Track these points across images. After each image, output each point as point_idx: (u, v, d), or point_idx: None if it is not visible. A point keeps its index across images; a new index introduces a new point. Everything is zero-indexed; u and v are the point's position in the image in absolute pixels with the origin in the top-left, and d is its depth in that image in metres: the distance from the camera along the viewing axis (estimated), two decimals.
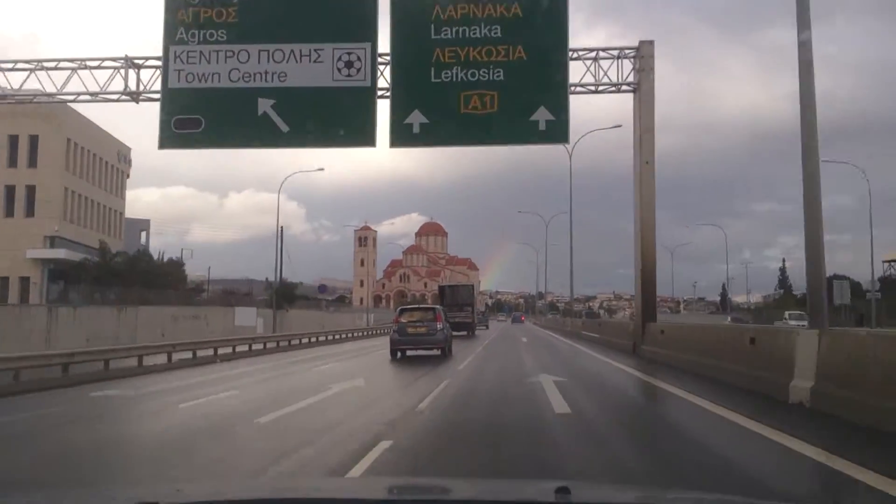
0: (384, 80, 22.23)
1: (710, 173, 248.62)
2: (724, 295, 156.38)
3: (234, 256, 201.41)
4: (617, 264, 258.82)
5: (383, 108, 22.11)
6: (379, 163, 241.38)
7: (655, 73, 22.81)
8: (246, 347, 29.74)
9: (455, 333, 34.05)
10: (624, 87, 23.02)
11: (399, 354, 23.46)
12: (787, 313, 50.43)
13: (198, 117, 22.03)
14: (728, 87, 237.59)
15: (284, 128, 21.96)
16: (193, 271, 76.91)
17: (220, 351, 26.84)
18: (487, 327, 68.93)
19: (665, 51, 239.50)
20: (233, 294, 72.14)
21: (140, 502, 2.21)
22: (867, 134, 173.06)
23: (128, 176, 67.78)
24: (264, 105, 21.95)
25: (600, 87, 22.90)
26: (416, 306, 29.92)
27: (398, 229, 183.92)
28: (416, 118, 21.86)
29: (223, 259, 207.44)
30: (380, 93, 22.20)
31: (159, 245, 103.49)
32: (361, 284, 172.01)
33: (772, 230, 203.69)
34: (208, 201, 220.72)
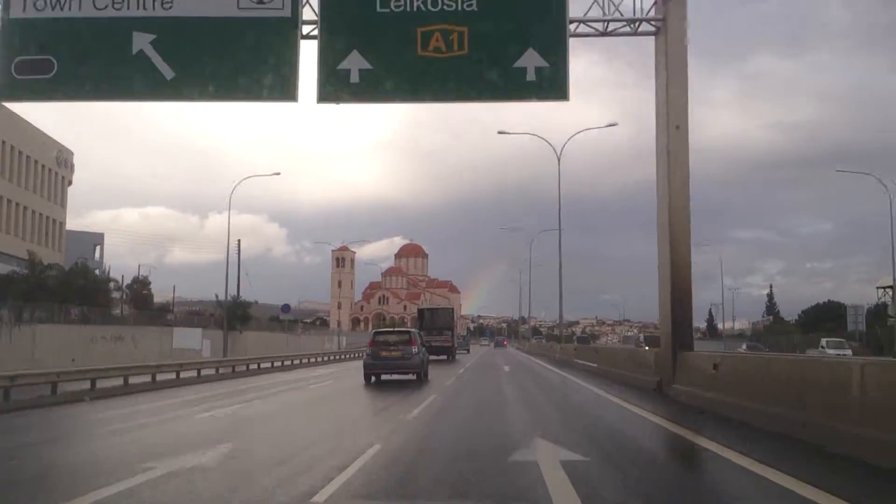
0: (310, 9, 15.75)
1: (694, 199, 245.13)
2: (710, 320, 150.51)
3: (215, 277, 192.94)
4: (599, 290, 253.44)
5: (309, 50, 15.62)
6: (362, 186, 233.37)
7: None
8: (150, 378, 22.86)
9: (434, 358, 33.73)
10: (643, 27, 16.53)
11: (373, 379, 22.40)
12: (824, 340, 43.37)
13: (48, 58, 15.53)
14: (712, 114, 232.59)
15: (168, 73, 15.44)
16: (169, 292, 70.10)
17: (104, 384, 20.04)
18: (468, 351, 65.06)
19: (650, 75, 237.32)
20: (199, 315, 65.37)
21: None
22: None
23: (70, 182, 60.84)
24: (141, 41, 15.42)
25: (610, 26, 16.39)
26: (391, 329, 28.76)
27: (381, 252, 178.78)
28: (355, 62, 15.38)
29: (203, 280, 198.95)
30: (305, 29, 15.73)
31: (134, 265, 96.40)
32: (339, 306, 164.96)
33: (753, 257, 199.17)
34: (189, 222, 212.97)
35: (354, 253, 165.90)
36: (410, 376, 22.78)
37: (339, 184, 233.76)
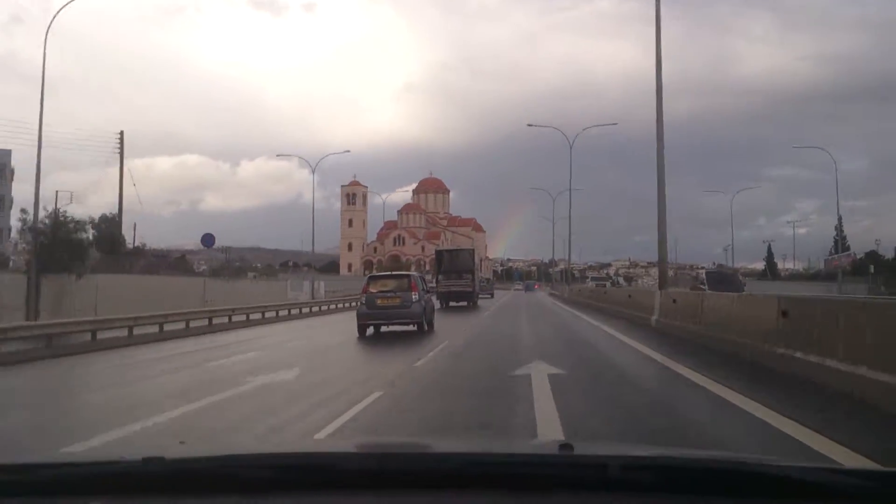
0: None
1: (729, 137, 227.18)
2: (770, 258, 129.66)
3: (244, 224, 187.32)
4: (632, 230, 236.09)
5: None
6: (390, 129, 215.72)
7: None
8: None
9: (454, 304, 37.27)
10: None
11: (371, 330, 19.39)
12: None
13: None
14: (747, 49, 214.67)
15: None
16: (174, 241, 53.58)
17: None
18: (492, 296, 56.76)
19: (685, 10, 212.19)
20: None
21: (146, 457, 1.92)
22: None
23: None
24: None
25: None
26: (388, 273, 24.49)
27: (408, 197, 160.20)
28: None
29: (232, 228, 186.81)
30: None
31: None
32: (350, 248, 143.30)
33: (787, 196, 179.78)
34: (221, 169, 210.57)
35: (367, 188, 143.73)
36: (411, 327, 19.17)
37: (367, 127, 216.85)
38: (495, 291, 66.43)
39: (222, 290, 40.66)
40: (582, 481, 1.84)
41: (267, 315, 30.60)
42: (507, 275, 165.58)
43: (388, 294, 19.31)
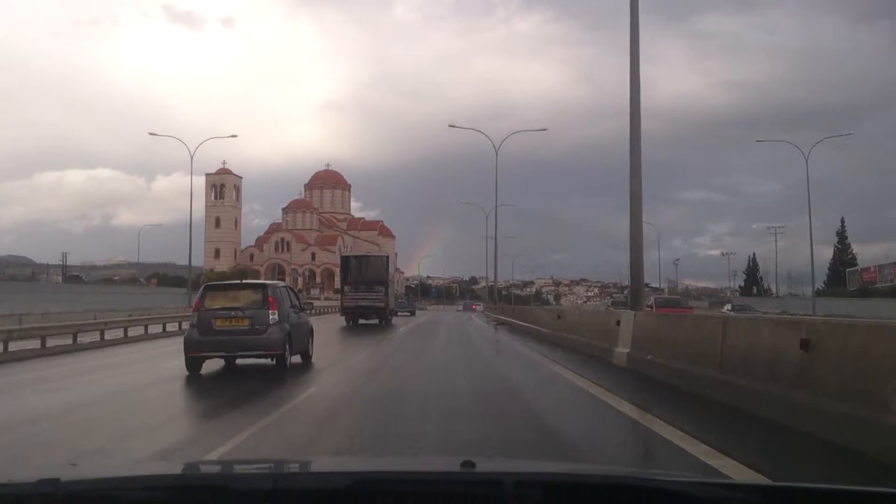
0: None
1: (643, 159, 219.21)
2: (753, 270, 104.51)
3: (154, 240, 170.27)
4: (552, 249, 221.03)
5: None
6: (311, 147, 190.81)
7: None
8: None
9: (363, 322, 31.02)
10: None
11: (222, 364, 12.93)
12: None
13: None
14: (662, 74, 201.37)
15: None
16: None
17: None
18: (413, 314, 50.56)
19: (600, 35, 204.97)
20: None
21: (41, 479, 1.81)
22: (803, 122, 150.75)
23: None
24: None
25: None
26: (235, 283, 15.74)
27: None
28: None
29: (142, 243, 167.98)
30: None
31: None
32: (217, 255, 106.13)
33: (700, 218, 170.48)
34: (136, 184, 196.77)
35: (241, 178, 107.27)
36: (268, 360, 12.37)
37: (288, 144, 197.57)
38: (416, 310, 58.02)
39: None
40: (478, 498, 1.80)
41: None
42: (424, 291, 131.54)
43: (233, 313, 12.37)
